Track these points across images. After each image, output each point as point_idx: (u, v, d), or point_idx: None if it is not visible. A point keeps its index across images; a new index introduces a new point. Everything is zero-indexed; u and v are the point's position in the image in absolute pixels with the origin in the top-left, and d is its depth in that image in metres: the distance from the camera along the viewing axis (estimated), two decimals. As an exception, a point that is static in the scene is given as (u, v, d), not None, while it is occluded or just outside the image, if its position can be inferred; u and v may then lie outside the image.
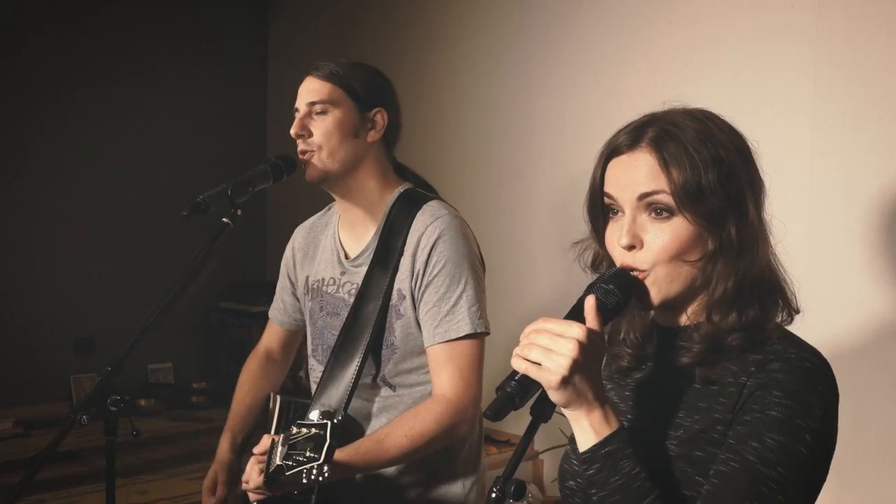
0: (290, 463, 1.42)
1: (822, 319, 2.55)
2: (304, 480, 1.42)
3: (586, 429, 1.08)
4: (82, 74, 4.37)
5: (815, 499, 1.13)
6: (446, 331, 1.79)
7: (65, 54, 4.33)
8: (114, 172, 4.47)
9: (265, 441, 1.65)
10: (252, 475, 1.64)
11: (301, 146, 1.85)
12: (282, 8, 5.00)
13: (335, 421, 1.41)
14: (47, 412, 4.05)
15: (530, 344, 1.06)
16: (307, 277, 2.03)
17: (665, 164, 1.15)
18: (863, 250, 2.52)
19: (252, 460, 1.65)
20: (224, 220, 1.78)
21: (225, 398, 4.82)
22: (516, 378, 1.06)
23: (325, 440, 1.40)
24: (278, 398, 1.93)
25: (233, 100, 4.90)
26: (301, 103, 1.87)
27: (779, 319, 1.20)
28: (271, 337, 2.20)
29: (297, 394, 2.07)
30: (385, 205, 1.90)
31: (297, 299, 2.10)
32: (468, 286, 1.80)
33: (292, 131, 1.86)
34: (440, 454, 1.83)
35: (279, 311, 2.16)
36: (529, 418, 1.10)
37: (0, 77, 4.16)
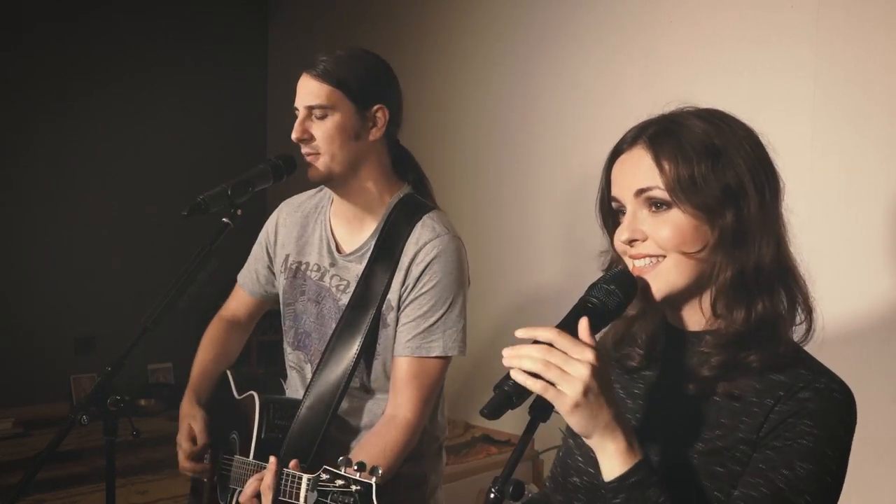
0: None
1: (822, 319, 2.55)
2: None
3: (611, 455, 1.07)
4: (82, 74, 4.37)
5: None
6: (418, 346, 1.80)
7: (64, 54, 4.33)
8: (114, 172, 4.47)
9: (273, 464, 1.61)
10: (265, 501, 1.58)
11: (304, 149, 1.84)
12: (282, 8, 5.00)
13: (378, 482, 1.35)
14: (47, 412, 4.06)
15: (545, 362, 1.03)
16: (287, 256, 2.02)
17: (657, 158, 1.17)
18: (863, 250, 2.52)
19: (254, 483, 1.62)
20: (224, 220, 1.78)
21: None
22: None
23: (372, 502, 1.34)
24: (256, 397, 1.90)
25: (233, 100, 4.90)
26: (300, 104, 1.84)
27: (796, 325, 1.20)
28: (238, 303, 2.18)
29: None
30: (384, 206, 1.89)
31: (273, 273, 2.09)
32: (451, 310, 1.82)
33: (294, 136, 1.83)
34: None
35: (251, 281, 2.13)
36: (528, 417, 1.10)
37: (0, 77, 4.16)
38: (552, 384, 1.03)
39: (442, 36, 3.98)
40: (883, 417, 2.47)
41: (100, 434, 1.67)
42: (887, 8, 2.47)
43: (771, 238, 1.17)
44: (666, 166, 1.15)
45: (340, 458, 1.38)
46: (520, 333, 1.08)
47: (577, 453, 1.29)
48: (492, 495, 1.02)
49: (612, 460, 1.07)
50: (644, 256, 1.18)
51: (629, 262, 1.21)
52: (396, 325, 1.83)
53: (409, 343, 1.80)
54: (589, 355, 1.04)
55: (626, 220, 1.19)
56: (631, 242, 1.18)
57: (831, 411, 1.11)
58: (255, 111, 5.04)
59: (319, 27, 4.69)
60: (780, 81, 2.71)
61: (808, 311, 1.22)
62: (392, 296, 1.84)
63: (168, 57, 4.65)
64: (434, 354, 1.80)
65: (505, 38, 3.69)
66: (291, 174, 1.93)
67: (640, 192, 1.18)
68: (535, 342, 1.06)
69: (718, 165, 1.15)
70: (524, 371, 1.03)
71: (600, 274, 1.23)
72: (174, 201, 2.02)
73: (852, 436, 1.14)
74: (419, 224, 1.85)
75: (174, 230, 3.50)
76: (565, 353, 1.04)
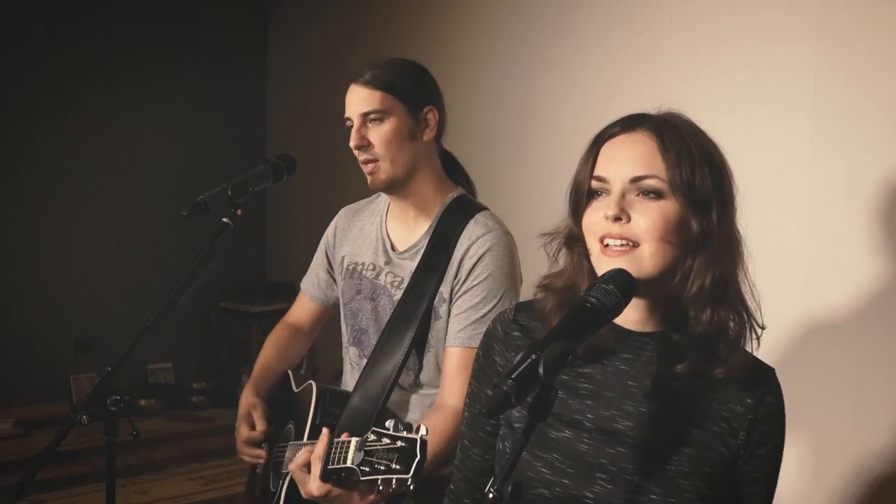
0: (367, 469, 1.39)
1: (821, 318, 2.55)
2: (381, 488, 1.39)
3: None
4: (82, 74, 4.37)
5: None
6: (469, 337, 1.82)
7: (65, 54, 4.33)
8: (114, 172, 4.47)
9: (325, 434, 1.60)
10: (315, 469, 1.56)
11: (362, 157, 1.86)
12: (282, 8, 5.00)
13: (423, 437, 1.38)
14: (47, 412, 4.06)
15: None
16: (343, 258, 2.06)
17: (664, 148, 1.18)
18: (862, 250, 2.52)
19: (305, 452, 1.62)
20: (224, 220, 1.79)
21: (225, 398, 4.81)
22: (513, 376, 1.05)
23: (416, 455, 1.37)
24: (314, 385, 1.93)
25: (233, 100, 4.90)
26: (353, 114, 1.87)
27: (747, 334, 1.24)
28: (301, 310, 2.22)
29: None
30: (438, 205, 1.93)
31: (332, 278, 2.13)
32: (502, 303, 1.84)
33: (352, 144, 1.86)
34: None
35: (312, 286, 2.18)
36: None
37: (0, 77, 4.16)
38: None
39: (442, 36, 3.98)
40: (883, 418, 2.47)
41: (100, 434, 1.67)
42: (887, 8, 2.47)
43: (740, 255, 1.23)
44: (672, 158, 1.17)
45: (388, 420, 1.41)
46: None
47: (538, 465, 1.25)
48: (491, 495, 1.02)
49: None
50: (620, 238, 1.18)
51: (596, 245, 1.21)
52: (448, 317, 1.86)
53: (461, 334, 1.83)
54: None
55: (613, 199, 1.19)
56: (615, 219, 1.18)
57: (783, 405, 1.25)
58: (255, 111, 5.04)
59: (319, 28, 4.69)
60: (780, 81, 2.71)
61: (759, 327, 1.26)
62: (444, 288, 1.86)
63: (168, 57, 4.65)
64: None
65: (505, 38, 3.69)
66: (291, 174, 1.93)
67: (637, 178, 1.18)
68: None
69: (714, 170, 1.20)
70: None
71: (555, 256, 1.29)
72: (174, 201, 2.02)
73: None
74: (471, 221, 1.89)
75: (174, 230, 3.50)
76: None
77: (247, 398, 2.05)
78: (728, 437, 1.20)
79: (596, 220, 1.21)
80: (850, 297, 2.53)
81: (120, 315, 3.83)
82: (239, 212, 1.81)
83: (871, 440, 2.44)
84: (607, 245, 1.19)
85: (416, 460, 1.36)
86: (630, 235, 1.18)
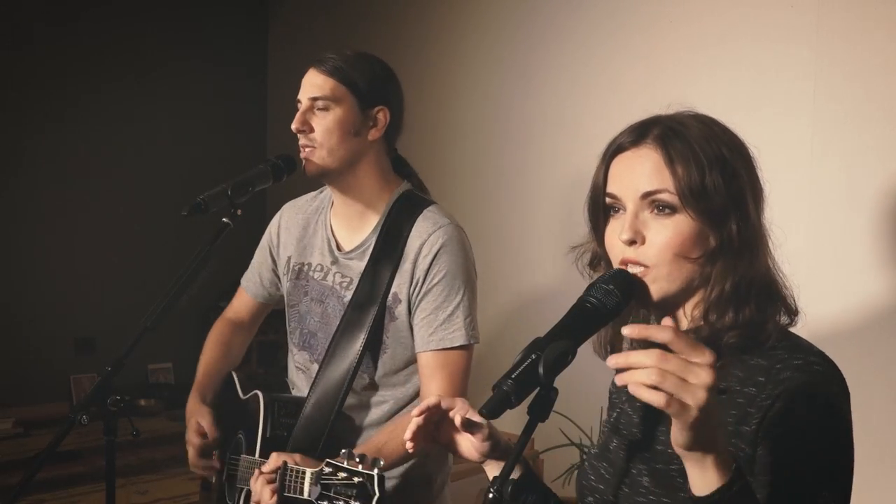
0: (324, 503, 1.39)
1: (822, 319, 2.55)
2: None
3: (710, 466, 0.96)
4: (82, 74, 4.37)
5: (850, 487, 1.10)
6: (441, 339, 1.81)
7: (65, 54, 4.33)
8: (114, 172, 4.47)
9: (275, 460, 1.63)
10: (264, 496, 1.61)
11: (301, 141, 1.85)
12: (282, 8, 5.00)
13: (380, 474, 1.36)
14: (47, 412, 4.06)
15: (661, 371, 0.92)
16: (289, 258, 2.03)
17: (670, 161, 1.15)
18: (863, 250, 2.52)
19: (261, 479, 1.63)
20: (224, 220, 1.78)
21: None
22: (513, 376, 1.04)
23: (374, 494, 1.35)
24: (261, 396, 1.90)
25: (233, 100, 4.90)
26: (303, 97, 1.86)
27: (778, 320, 1.19)
28: (241, 305, 2.20)
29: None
30: (384, 203, 1.90)
31: (277, 276, 2.10)
32: (465, 297, 1.82)
33: (293, 126, 1.85)
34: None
35: (254, 284, 2.15)
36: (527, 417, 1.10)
37: (0, 77, 4.16)
38: (670, 394, 0.91)
39: (442, 36, 3.98)
40: (884, 418, 2.47)
41: (100, 434, 1.67)
42: (887, 8, 2.47)
43: (765, 249, 1.19)
44: (679, 170, 1.14)
45: (343, 450, 1.38)
46: (628, 332, 0.99)
47: (589, 473, 1.27)
48: (490, 495, 1.02)
49: (711, 471, 0.96)
50: (637, 264, 1.16)
51: (618, 264, 1.20)
52: (410, 318, 1.84)
53: (432, 338, 1.81)
54: (708, 357, 0.92)
55: (627, 220, 1.17)
56: (630, 243, 1.17)
57: (815, 383, 1.09)
58: (255, 111, 5.04)
59: (319, 27, 4.69)
60: (780, 81, 2.71)
61: (789, 315, 1.20)
62: (399, 289, 1.84)
63: (168, 57, 4.64)
64: (458, 344, 1.81)
65: (505, 38, 3.69)
66: (291, 174, 1.93)
67: (648, 194, 1.16)
68: (641, 347, 0.99)
69: (727, 175, 1.15)
70: (642, 384, 0.92)
71: (586, 272, 1.25)
72: (174, 201, 2.02)
73: (848, 404, 1.12)
74: (420, 218, 1.86)
75: (174, 230, 3.50)
76: (683, 359, 0.92)
77: (193, 406, 2.01)
78: (741, 424, 1.10)
79: (614, 241, 1.19)
80: (850, 297, 2.53)
81: (120, 315, 3.82)
82: (239, 212, 1.80)
83: (869, 441, 2.44)
84: (628, 270, 1.18)
85: (375, 498, 1.34)
86: (645, 259, 1.15)
